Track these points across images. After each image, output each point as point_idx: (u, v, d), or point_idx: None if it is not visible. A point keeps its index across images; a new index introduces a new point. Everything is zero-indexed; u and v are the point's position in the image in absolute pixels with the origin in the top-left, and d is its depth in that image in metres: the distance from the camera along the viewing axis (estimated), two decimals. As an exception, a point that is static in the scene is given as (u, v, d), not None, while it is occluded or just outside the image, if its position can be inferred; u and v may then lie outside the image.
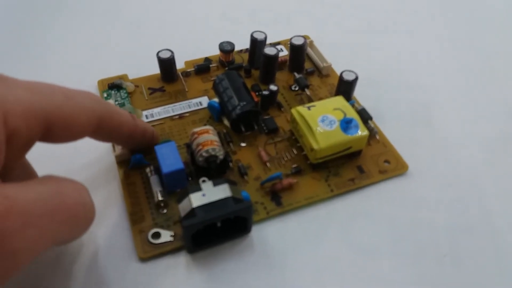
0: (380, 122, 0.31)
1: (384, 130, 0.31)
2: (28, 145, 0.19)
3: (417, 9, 0.43)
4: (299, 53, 0.33)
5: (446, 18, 0.43)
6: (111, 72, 0.33)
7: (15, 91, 0.18)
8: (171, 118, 0.31)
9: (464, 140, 0.31)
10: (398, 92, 0.34)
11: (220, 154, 0.26)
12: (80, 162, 0.28)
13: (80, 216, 0.19)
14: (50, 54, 0.36)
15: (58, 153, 0.28)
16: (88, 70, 0.35)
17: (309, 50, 0.35)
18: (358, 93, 0.32)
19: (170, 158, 0.26)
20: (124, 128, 0.24)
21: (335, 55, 0.35)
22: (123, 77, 0.33)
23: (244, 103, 0.29)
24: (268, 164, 0.28)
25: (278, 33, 0.37)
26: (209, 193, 0.23)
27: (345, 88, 0.30)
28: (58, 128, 0.19)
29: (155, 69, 0.33)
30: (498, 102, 0.34)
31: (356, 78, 0.30)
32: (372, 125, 0.30)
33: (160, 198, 0.25)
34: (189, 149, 0.27)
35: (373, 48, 0.38)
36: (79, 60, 0.36)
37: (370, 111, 0.30)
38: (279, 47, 0.36)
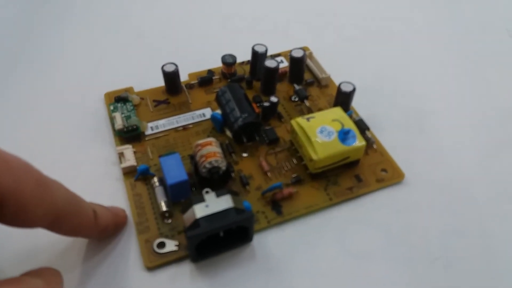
0: (377, 130, 0.32)
1: (381, 138, 0.31)
2: None
3: (411, 18, 0.44)
4: (298, 65, 0.34)
5: (440, 26, 0.43)
6: (117, 85, 0.35)
7: None
8: (175, 129, 0.32)
9: (457, 146, 0.32)
10: (395, 100, 0.35)
11: (223, 165, 0.27)
12: (87, 173, 0.29)
13: None
14: (56, 68, 0.37)
15: (65, 164, 0.29)
16: (94, 83, 0.36)
17: (308, 61, 0.36)
18: (355, 101, 0.33)
19: (174, 169, 0.27)
20: (80, 230, 0.23)
21: (332, 64, 0.36)
22: (129, 89, 0.34)
23: (246, 115, 0.29)
24: (269, 173, 0.29)
25: (277, 43, 0.38)
26: (212, 204, 0.24)
27: (343, 99, 0.31)
28: (8, 211, 0.18)
29: (160, 82, 0.34)
30: (490, 108, 0.35)
31: (354, 90, 0.31)
32: (370, 135, 0.31)
33: (165, 208, 0.26)
34: (193, 160, 0.28)
35: (370, 57, 0.39)
36: (85, 73, 0.37)
37: (367, 119, 0.31)
38: (279, 58, 0.37)
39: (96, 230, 0.23)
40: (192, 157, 0.28)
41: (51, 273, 0.21)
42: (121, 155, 0.29)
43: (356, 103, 0.33)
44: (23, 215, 0.18)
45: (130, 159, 0.29)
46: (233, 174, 0.28)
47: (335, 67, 0.36)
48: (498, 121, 0.34)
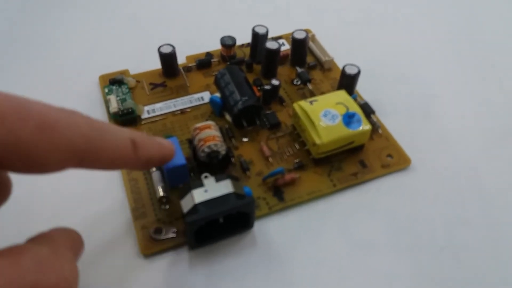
0: (382, 115, 0.31)
1: (387, 123, 0.30)
2: None
3: (416, 1, 0.43)
4: (301, 47, 0.33)
5: (444, 9, 0.42)
6: (112, 67, 0.33)
7: None
8: (173, 113, 0.31)
9: (464, 132, 0.31)
10: (399, 85, 0.34)
11: (222, 150, 0.26)
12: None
13: None
14: (50, 50, 0.36)
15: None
16: (89, 65, 0.34)
17: (311, 44, 0.35)
18: (358, 85, 0.32)
19: (172, 153, 0.25)
20: (116, 164, 0.19)
21: (335, 48, 0.35)
22: (124, 72, 0.33)
23: (246, 98, 0.28)
24: (270, 159, 0.28)
25: (277, 25, 0.37)
26: (211, 189, 0.23)
27: (348, 82, 0.30)
28: (19, 163, 0.16)
29: (157, 64, 0.33)
30: (497, 93, 0.34)
31: (359, 72, 0.30)
32: (375, 119, 0.30)
33: (162, 194, 0.25)
34: (191, 144, 0.27)
35: (373, 41, 0.38)
36: (80, 55, 0.36)
37: (372, 104, 0.30)
38: (280, 41, 0.36)
39: (137, 162, 0.20)
40: (190, 141, 0.27)
41: (64, 236, 0.18)
42: (116, 139, 0.28)
43: (359, 87, 0.32)
44: (37, 164, 0.16)
45: (126, 143, 0.28)
46: (233, 159, 0.27)
47: (337, 51, 0.35)
48: (504, 106, 0.33)
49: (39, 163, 0.16)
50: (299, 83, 0.33)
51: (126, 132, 0.20)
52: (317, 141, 0.26)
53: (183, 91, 0.32)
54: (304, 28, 0.36)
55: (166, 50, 0.32)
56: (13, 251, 0.15)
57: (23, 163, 0.16)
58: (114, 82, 0.32)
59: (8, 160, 0.15)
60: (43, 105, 0.16)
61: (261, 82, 0.32)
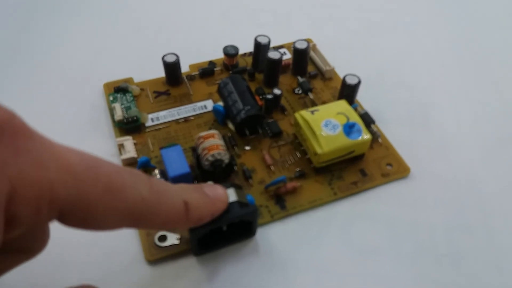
0: (381, 124, 0.31)
1: (386, 132, 0.31)
2: (33, 227, 0.15)
3: (416, 10, 0.44)
4: (302, 57, 0.33)
5: (444, 18, 0.43)
6: (117, 75, 0.34)
7: (42, 167, 0.14)
8: (176, 121, 0.31)
9: (463, 140, 0.31)
10: (399, 94, 0.35)
11: (226, 158, 0.27)
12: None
13: None
14: (55, 57, 0.37)
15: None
16: (93, 73, 0.35)
17: (312, 53, 0.36)
18: (359, 94, 0.32)
19: (176, 162, 0.26)
20: (166, 226, 0.20)
21: (335, 57, 0.35)
22: (129, 80, 0.34)
23: (249, 107, 0.29)
24: (272, 167, 0.28)
25: (279, 35, 0.38)
26: (215, 197, 0.23)
27: (348, 92, 0.31)
28: (74, 221, 0.16)
29: (160, 73, 0.33)
30: (495, 101, 0.34)
31: (359, 82, 0.31)
32: (375, 129, 0.30)
33: (166, 201, 0.26)
34: (195, 153, 0.27)
35: (373, 50, 0.39)
36: (84, 63, 0.36)
37: (371, 112, 0.31)
38: (282, 50, 0.37)
39: (186, 224, 0.20)
40: (194, 150, 0.28)
41: None
42: (121, 146, 0.29)
43: (359, 96, 0.33)
44: (94, 223, 0.16)
45: (131, 151, 0.28)
46: (235, 167, 0.28)
47: (338, 60, 0.35)
48: (503, 114, 0.33)
49: (97, 222, 0.16)
50: (300, 92, 0.33)
51: (181, 194, 0.19)
52: (318, 150, 0.27)
53: (186, 99, 0.33)
54: (305, 37, 0.37)
55: (171, 59, 0.32)
56: None
57: (81, 220, 0.16)
58: (118, 90, 0.32)
59: (68, 215, 0.15)
60: (111, 167, 0.17)
61: (263, 91, 0.33)
